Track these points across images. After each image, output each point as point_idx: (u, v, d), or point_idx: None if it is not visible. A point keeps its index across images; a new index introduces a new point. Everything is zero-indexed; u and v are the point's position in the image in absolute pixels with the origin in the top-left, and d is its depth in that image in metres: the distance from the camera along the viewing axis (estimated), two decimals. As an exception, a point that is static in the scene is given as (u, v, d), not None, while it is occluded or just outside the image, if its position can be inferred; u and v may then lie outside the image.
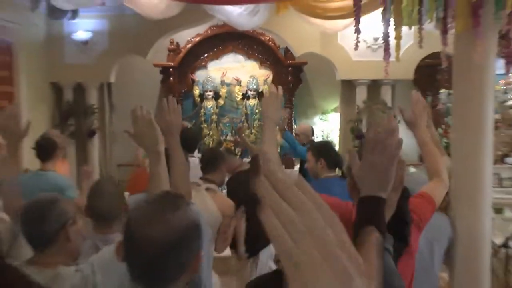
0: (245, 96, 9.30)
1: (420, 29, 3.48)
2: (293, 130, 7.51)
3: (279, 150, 8.23)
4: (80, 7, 6.03)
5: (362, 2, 3.69)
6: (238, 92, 9.33)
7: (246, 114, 9.31)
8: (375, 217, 1.58)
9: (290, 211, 0.65)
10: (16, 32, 7.01)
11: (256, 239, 5.04)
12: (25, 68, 7.19)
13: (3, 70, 6.77)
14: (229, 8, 5.46)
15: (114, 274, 2.00)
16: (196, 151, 5.45)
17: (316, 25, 6.28)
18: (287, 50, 8.78)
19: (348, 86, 8.33)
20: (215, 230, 3.97)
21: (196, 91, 9.26)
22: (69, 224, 2.17)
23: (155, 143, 2.20)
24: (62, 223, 2.14)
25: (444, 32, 3.40)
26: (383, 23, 3.56)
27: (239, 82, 9.30)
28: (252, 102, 9.27)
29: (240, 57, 9.26)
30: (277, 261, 2.21)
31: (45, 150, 4.67)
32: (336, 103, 9.15)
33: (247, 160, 8.46)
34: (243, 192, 4.96)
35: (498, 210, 5.83)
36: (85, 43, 7.98)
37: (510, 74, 8.19)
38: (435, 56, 7.24)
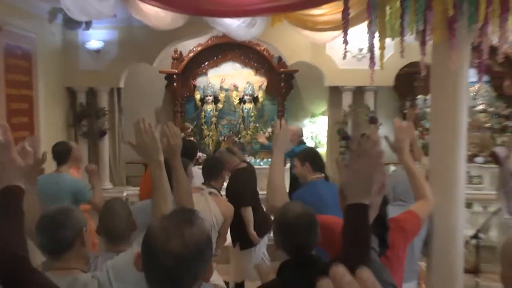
0: (241, 101, 9.29)
1: (402, 41, 3.48)
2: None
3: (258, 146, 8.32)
4: (93, 18, 5.99)
5: (350, 16, 3.68)
6: (235, 97, 9.32)
7: (243, 117, 9.31)
8: (361, 223, 1.62)
9: None
10: (35, 41, 6.98)
11: (257, 230, 5.07)
12: (43, 74, 7.15)
13: (23, 75, 6.74)
14: (228, 20, 5.44)
15: (129, 281, 1.98)
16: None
17: (306, 36, 6.27)
18: (280, 59, 8.77)
19: (335, 92, 8.32)
20: (217, 230, 3.98)
21: (198, 96, 9.25)
22: (84, 230, 2.16)
23: (157, 154, 2.16)
24: (78, 230, 2.12)
25: (423, 43, 3.40)
26: (368, 35, 3.56)
27: (236, 88, 9.29)
28: (248, 106, 9.27)
29: (237, 65, 9.25)
30: (275, 248, 2.18)
31: (61, 154, 4.67)
32: (324, 107, 9.14)
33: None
34: (241, 186, 5.02)
35: (468, 204, 5.85)
36: (97, 51, 7.94)
37: (479, 82, 8.26)
38: (413, 65, 7.26)
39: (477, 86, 8.49)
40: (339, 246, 1.69)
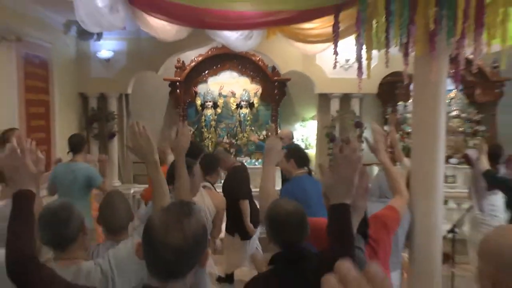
0: (238, 106, 9.25)
1: (387, 52, 3.47)
2: (278, 134, 7.46)
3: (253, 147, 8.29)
4: (105, 30, 5.96)
5: (339, 30, 3.67)
6: (233, 103, 9.27)
7: (240, 121, 9.26)
8: (343, 221, 1.63)
9: None
10: (51, 51, 6.97)
11: (254, 223, 5.05)
12: (58, 81, 7.13)
13: (41, 82, 6.73)
14: (228, 33, 5.42)
15: (129, 270, 1.98)
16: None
17: (298, 48, 6.26)
18: (274, 68, 8.75)
19: (324, 99, 8.33)
20: (211, 221, 3.97)
21: (198, 101, 9.20)
22: (84, 223, 2.14)
23: (151, 155, 2.11)
24: (81, 223, 2.09)
25: (406, 54, 3.39)
26: (356, 47, 3.54)
27: (233, 94, 9.25)
28: (245, 111, 9.23)
29: (235, 74, 9.20)
30: (268, 241, 2.15)
31: (76, 145, 4.73)
32: (313, 112, 9.14)
33: (240, 159, 8.51)
34: (239, 182, 5.02)
35: (443, 201, 5.85)
36: (107, 60, 7.92)
37: (455, 90, 8.28)
38: (394, 74, 7.28)
39: (451, 94, 8.50)
40: (326, 242, 1.68)
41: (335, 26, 3.66)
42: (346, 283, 0.51)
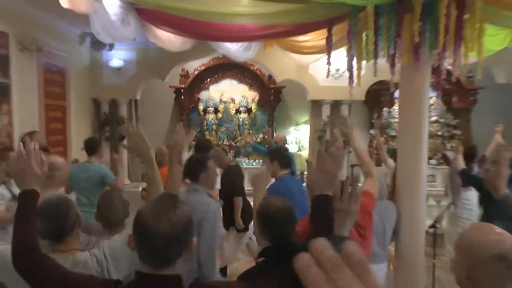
0: (237, 111, 9.25)
1: (375, 62, 3.46)
2: (273, 138, 7.43)
3: (251, 149, 8.30)
4: (117, 41, 5.96)
5: (332, 42, 3.66)
6: (232, 108, 9.27)
7: (238, 125, 9.27)
8: (325, 209, 1.64)
9: None
10: (68, 60, 6.98)
11: (248, 217, 5.03)
12: (73, 87, 7.12)
13: (58, 88, 6.73)
14: (229, 44, 5.42)
15: (122, 259, 1.95)
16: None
17: (293, 58, 6.25)
18: (270, 76, 8.74)
19: (316, 105, 8.32)
20: None
21: (201, 107, 9.20)
22: (79, 216, 2.10)
23: (147, 153, 2.09)
24: (76, 215, 2.05)
25: (393, 65, 3.39)
26: (347, 58, 3.54)
27: (233, 101, 9.24)
28: (243, 115, 9.23)
29: (234, 82, 9.20)
30: (259, 234, 2.12)
31: (91, 147, 4.73)
32: (306, 117, 9.13)
33: (239, 159, 8.50)
34: (234, 179, 4.99)
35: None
36: (118, 69, 7.91)
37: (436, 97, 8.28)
38: (380, 83, 7.28)
39: (431, 100, 8.51)
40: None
41: (329, 38, 3.65)
42: (320, 260, 0.45)
